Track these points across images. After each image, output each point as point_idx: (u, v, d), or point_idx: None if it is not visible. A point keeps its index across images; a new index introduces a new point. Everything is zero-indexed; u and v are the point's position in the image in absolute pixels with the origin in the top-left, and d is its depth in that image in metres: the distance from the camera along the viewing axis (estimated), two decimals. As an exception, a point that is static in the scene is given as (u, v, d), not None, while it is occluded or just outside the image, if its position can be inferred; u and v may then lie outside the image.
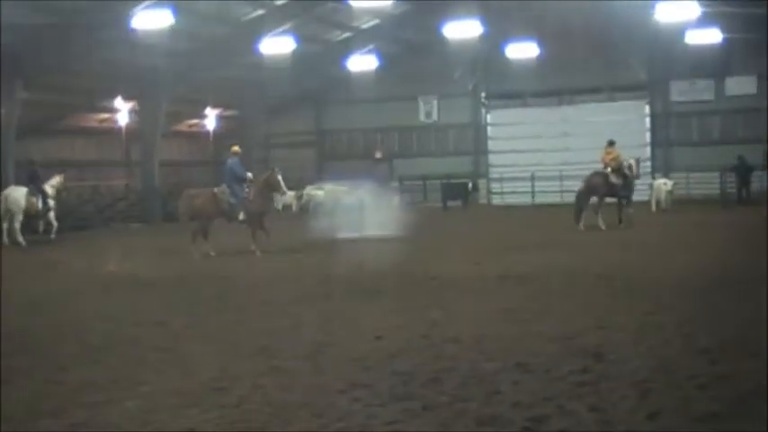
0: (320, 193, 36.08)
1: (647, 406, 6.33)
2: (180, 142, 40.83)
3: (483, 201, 41.51)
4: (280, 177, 19.73)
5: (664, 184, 31.41)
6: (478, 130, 43.00)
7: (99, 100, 34.41)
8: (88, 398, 7.04)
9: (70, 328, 10.24)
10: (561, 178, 39.81)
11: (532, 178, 40.20)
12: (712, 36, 34.25)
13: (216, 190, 19.91)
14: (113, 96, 33.85)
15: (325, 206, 33.64)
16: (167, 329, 10.05)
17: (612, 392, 6.69)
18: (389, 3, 30.02)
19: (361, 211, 23.88)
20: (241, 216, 19.33)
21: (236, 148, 20.38)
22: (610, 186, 23.65)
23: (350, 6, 30.80)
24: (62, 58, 28.18)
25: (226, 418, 6.45)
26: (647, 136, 40.19)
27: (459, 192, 38.55)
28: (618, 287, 12.28)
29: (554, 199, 39.26)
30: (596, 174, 24.05)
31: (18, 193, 23.78)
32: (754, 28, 34.07)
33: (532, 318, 10.02)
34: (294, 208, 36.07)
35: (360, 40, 38.22)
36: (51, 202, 24.36)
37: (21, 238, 23.33)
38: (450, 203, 38.10)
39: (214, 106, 39.90)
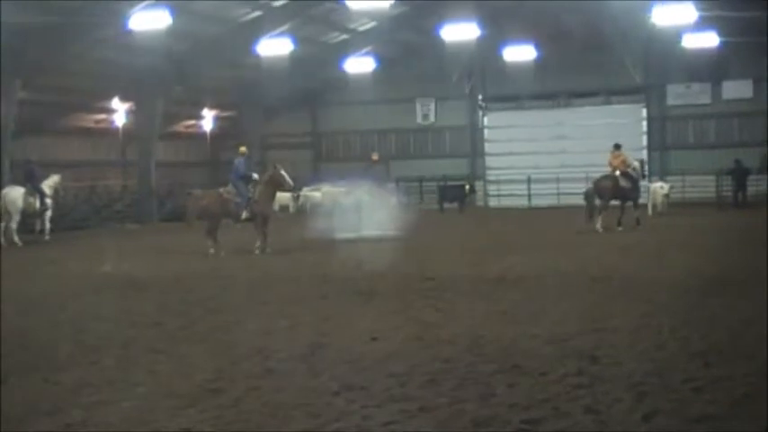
0: (317, 194, 36.11)
1: (643, 408, 6.35)
2: (177, 143, 40.81)
3: (480, 203, 41.57)
4: (284, 172, 19.86)
5: (660, 187, 31.44)
6: (475, 132, 43.03)
7: (96, 100, 34.39)
8: (85, 398, 7.04)
9: (67, 329, 10.24)
10: (558, 181, 39.92)
11: (529, 181, 40.28)
12: (709, 40, 34.32)
13: (222, 190, 20.18)
14: (110, 97, 33.84)
15: (322, 207, 33.69)
16: (163, 330, 10.05)
17: (608, 395, 6.71)
18: (387, 5, 30.04)
19: (358, 211, 23.90)
20: (244, 215, 19.45)
21: (243, 149, 20.70)
22: (619, 190, 23.80)
23: (347, 8, 30.81)
24: (59, 59, 28.20)
25: (222, 418, 6.46)
26: (644, 139, 40.25)
27: (456, 194, 38.57)
28: (613, 289, 12.30)
29: (550, 201, 39.37)
30: (606, 177, 24.11)
31: (16, 193, 23.79)
32: (751, 32, 34.11)
33: (528, 320, 10.03)
34: (291, 209, 36.06)
35: (357, 42, 38.25)
36: (49, 202, 24.37)
37: (17, 238, 23.33)
38: (447, 205, 38.12)
39: (211, 107, 39.90)
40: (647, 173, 29.34)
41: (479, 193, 41.68)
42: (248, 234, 20.07)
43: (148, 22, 26.11)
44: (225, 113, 41.50)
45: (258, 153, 42.63)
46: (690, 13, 30.03)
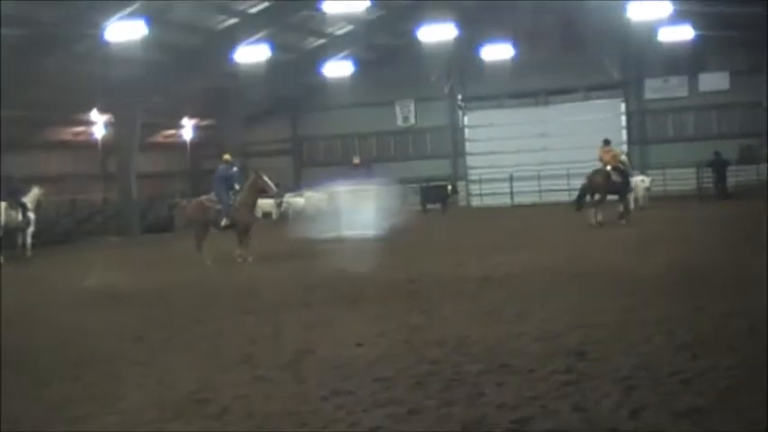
0: (300, 200, 36.07)
1: (630, 403, 6.34)
2: (157, 154, 40.61)
3: (462, 203, 41.61)
4: (266, 179, 19.83)
5: (641, 181, 31.55)
6: (456, 132, 43.07)
7: (74, 113, 34.20)
8: (68, 413, 6.97)
9: (49, 344, 10.14)
10: (539, 178, 40.02)
11: (511, 179, 40.35)
12: (684, 33, 34.49)
13: (203, 198, 20.20)
14: (89, 109, 33.65)
15: (305, 213, 33.69)
16: (147, 342, 9.97)
17: (595, 391, 6.70)
18: (363, 8, 30.03)
19: (339, 214, 23.94)
20: (223, 222, 19.37)
21: (227, 156, 20.63)
22: (612, 184, 23.93)
23: (324, 13, 30.78)
24: (35, 73, 27.97)
25: (208, 429, 6.40)
26: (624, 134, 40.38)
27: (439, 195, 38.61)
28: (599, 285, 12.31)
29: (533, 199, 39.48)
30: (597, 172, 24.21)
31: None
32: (726, 24, 34.34)
33: (514, 318, 10.02)
34: (274, 216, 35.96)
35: (335, 46, 38.22)
36: (31, 216, 24.14)
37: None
38: (430, 206, 38.18)
39: (190, 116, 39.76)
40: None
41: (462, 193, 41.72)
42: (231, 242, 19.96)
43: (124, 33, 25.98)
44: (204, 122, 41.37)
45: (239, 161, 42.57)
46: (665, 8, 30.18)
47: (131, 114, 33.45)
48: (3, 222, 23.35)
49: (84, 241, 30.74)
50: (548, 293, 11.83)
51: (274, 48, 32.86)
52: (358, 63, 39.20)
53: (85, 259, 22.63)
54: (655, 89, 40.20)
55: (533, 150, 40.82)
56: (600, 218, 23.30)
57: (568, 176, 39.36)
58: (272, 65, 33.90)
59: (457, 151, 43.04)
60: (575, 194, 38.30)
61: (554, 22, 39.71)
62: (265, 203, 36.62)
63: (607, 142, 25.36)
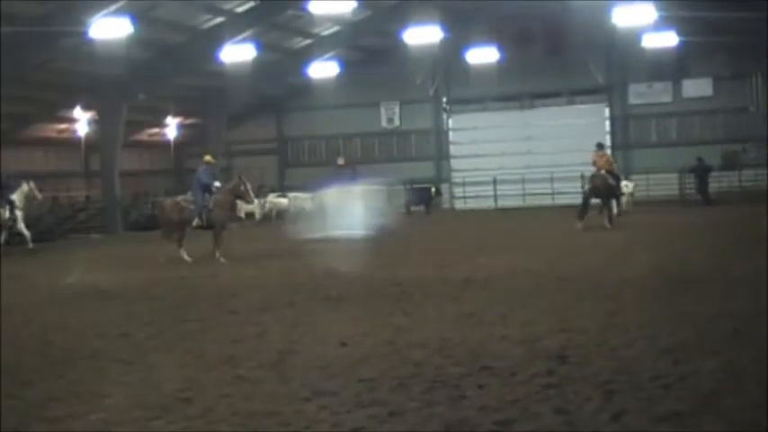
0: (284, 200, 36.05)
1: (612, 407, 6.38)
2: (140, 152, 40.50)
3: (446, 205, 41.69)
4: (248, 186, 19.85)
5: (625, 186, 31.68)
6: (440, 135, 43.18)
7: (58, 110, 34.05)
8: (51, 412, 6.94)
9: (31, 342, 10.10)
10: (523, 182, 40.18)
11: (495, 182, 40.47)
12: (669, 39, 34.70)
13: (180, 198, 20.16)
14: (72, 106, 33.51)
15: (288, 213, 33.68)
16: (131, 341, 9.95)
17: (577, 394, 6.74)
18: (350, 9, 30.05)
19: (324, 214, 23.98)
20: (195, 223, 19.39)
21: (208, 157, 20.63)
22: (608, 187, 24.12)
23: (310, 14, 30.78)
24: (18, 69, 27.84)
25: (192, 428, 6.40)
26: (607, 139, 40.57)
27: (422, 197, 38.67)
28: (580, 289, 12.37)
29: (517, 202, 39.62)
30: (597, 176, 24.34)
31: None
32: (710, 31, 34.57)
33: (497, 321, 10.06)
34: (257, 216, 35.92)
35: (320, 47, 38.23)
36: (18, 213, 24.03)
37: None
38: (414, 208, 38.22)
39: (175, 115, 39.66)
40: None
41: (446, 196, 41.81)
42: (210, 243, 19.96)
43: (109, 30, 25.88)
44: (189, 121, 41.28)
45: (223, 160, 42.51)
46: (649, 14, 30.35)
47: (115, 112, 33.36)
48: None
49: (66, 239, 30.59)
50: (530, 296, 11.87)
51: (260, 47, 32.83)
52: (343, 64, 39.23)
53: (68, 257, 22.52)
54: (639, 94, 40.45)
55: (518, 154, 40.99)
56: (581, 225, 23.39)
57: (552, 180, 39.60)
58: (257, 64, 33.88)
59: (441, 154, 43.14)
60: (558, 198, 38.93)
61: (539, 27, 39.89)
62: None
63: (601, 146, 25.65)
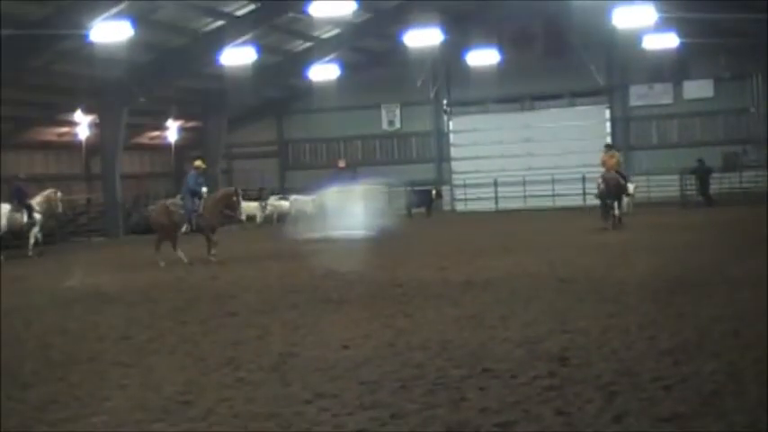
0: (285, 203, 36.05)
1: (613, 408, 6.38)
2: (141, 155, 40.51)
3: (447, 207, 41.70)
4: (240, 198, 19.93)
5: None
6: (441, 137, 43.17)
7: (58, 113, 34.05)
8: (52, 415, 6.94)
9: (32, 345, 10.10)
10: (524, 183, 40.18)
11: (495, 184, 40.46)
12: (669, 41, 34.70)
13: (168, 202, 20.35)
14: (73, 110, 33.52)
15: (290, 216, 33.68)
16: (131, 343, 9.95)
17: (578, 396, 6.73)
18: (350, 12, 30.06)
19: (326, 214, 24.03)
20: (184, 228, 19.43)
21: (198, 162, 20.61)
22: (620, 187, 24.21)
23: (310, 16, 30.79)
24: (19, 73, 27.84)
25: (192, 431, 6.40)
26: (608, 140, 40.56)
27: (423, 199, 38.67)
28: (581, 291, 12.36)
29: (517, 204, 39.60)
30: (609, 176, 24.36)
31: (1, 212, 23.79)
32: (711, 32, 34.57)
33: (498, 323, 10.05)
34: (258, 219, 35.93)
35: (321, 49, 38.22)
36: (37, 217, 24.31)
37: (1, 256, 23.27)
38: (415, 210, 38.23)
39: (175, 118, 39.66)
40: None
41: (446, 198, 41.82)
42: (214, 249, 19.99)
43: (110, 33, 25.89)
44: (189, 124, 41.28)
45: (224, 163, 42.57)
46: (650, 15, 30.34)
47: (116, 115, 33.36)
48: (5, 225, 23.59)
49: (67, 242, 30.59)
50: (531, 298, 11.86)
51: (260, 50, 32.84)
52: (344, 66, 39.23)
53: (69, 260, 22.53)
54: (639, 96, 40.44)
55: (518, 155, 40.98)
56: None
57: (553, 182, 39.60)
58: (258, 67, 33.90)
59: (442, 156, 43.13)
60: (559, 200, 38.92)
61: (540, 28, 39.90)
62: (250, 206, 36.66)
63: (610, 147, 25.75)
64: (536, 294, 12.22)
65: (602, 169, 24.87)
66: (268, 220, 35.85)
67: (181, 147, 41.08)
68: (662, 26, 32.77)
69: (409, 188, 38.16)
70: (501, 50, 38.97)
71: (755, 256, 14.51)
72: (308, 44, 38.26)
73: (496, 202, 40.51)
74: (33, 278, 18.39)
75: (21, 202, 24.17)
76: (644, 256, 16.62)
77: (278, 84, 40.76)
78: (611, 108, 40.95)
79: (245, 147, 44.41)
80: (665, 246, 18.54)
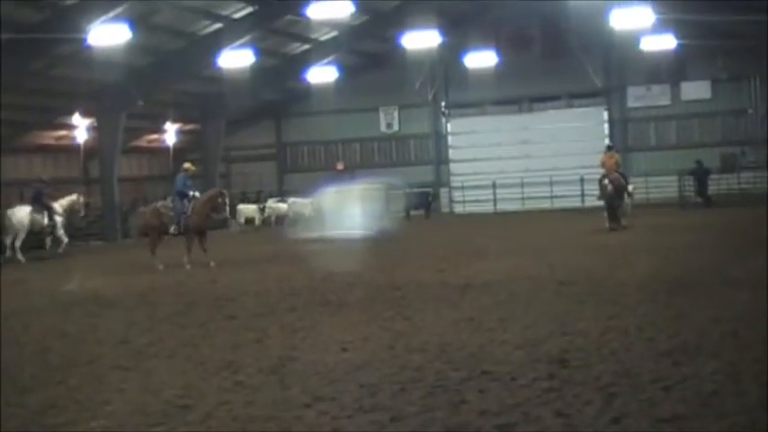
0: (283, 206, 36.05)
1: (613, 410, 6.37)
2: (139, 158, 40.49)
3: (445, 210, 41.72)
4: (227, 200, 19.98)
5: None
6: (439, 139, 43.18)
7: (56, 117, 34.03)
8: (51, 420, 6.93)
9: (30, 349, 10.09)
10: (522, 185, 40.19)
11: (494, 186, 40.47)
12: (667, 42, 34.74)
13: (159, 204, 20.55)
14: (71, 113, 33.50)
15: (288, 218, 33.71)
16: (130, 347, 9.93)
17: (578, 398, 6.72)
18: (347, 14, 30.08)
19: (322, 214, 24.07)
20: (172, 229, 19.49)
21: (186, 165, 20.75)
22: (622, 187, 24.25)
23: (308, 19, 30.80)
24: (18, 76, 27.84)
25: (191, 435, 6.39)
26: (606, 142, 40.58)
27: (421, 201, 38.68)
28: (580, 292, 12.35)
29: (516, 206, 39.62)
30: (613, 177, 24.37)
31: (22, 213, 24.52)
32: (708, 34, 34.62)
33: (497, 325, 10.04)
34: (257, 221, 35.94)
35: (319, 52, 38.24)
36: (58, 219, 24.86)
37: (20, 255, 23.86)
38: (414, 212, 38.26)
39: (173, 121, 39.65)
40: None
41: (445, 200, 41.86)
42: (210, 251, 19.97)
43: (108, 37, 25.89)
44: (187, 127, 41.27)
45: (223, 166, 42.57)
46: (647, 16, 30.38)
47: (114, 119, 33.35)
48: (27, 226, 24.25)
49: (66, 246, 30.49)
50: (530, 300, 11.86)
51: (258, 53, 32.86)
52: (342, 69, 39.25)
53: (68, 264, 22.51)
54: (637, 97, 40.49)
55: (516, 157, 41.01)
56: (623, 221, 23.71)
57: (551, 184, 39.63)
58: (255, 70, 33.90)
59: (440, 158, 43.14)
60: (557, 201, 38.95)
61: (537, 30, 39.93)
62: (248, 209, 36.71)
63: (610, 148, 25.75)
64: (535, 296, 12.22)
65: (601, 170, 24.84)
66: (266, 222, 35.85)
67: (179, 150, 41.04)
68: (659, 28, 32.83)
69: (408, 190, 38.17)
70: (499, 52, 39.03)
71: (755, 257, 14.51)
72: (306, 47, 38.28)
73: (495, 204, 40.52)
74: (32, 282, 18.37)
75: (41, 204, 24.79)
76: (643, 257, 16.62)
77: (276, 86, 40.77)
78: (608, 110, 40.99)
79: (243, 150, 44.42)
80: (664, 247, 18.54)
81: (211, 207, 19.98)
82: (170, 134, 40.16)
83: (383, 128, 43.76)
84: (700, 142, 38.92)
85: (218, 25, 32.41)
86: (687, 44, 35.04)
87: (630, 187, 31.85)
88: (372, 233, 23.31)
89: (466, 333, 9.66)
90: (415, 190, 39.57)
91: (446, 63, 40.54)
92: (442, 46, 36.02)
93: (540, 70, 39.45)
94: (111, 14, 25.90)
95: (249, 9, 31.92)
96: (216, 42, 32.16)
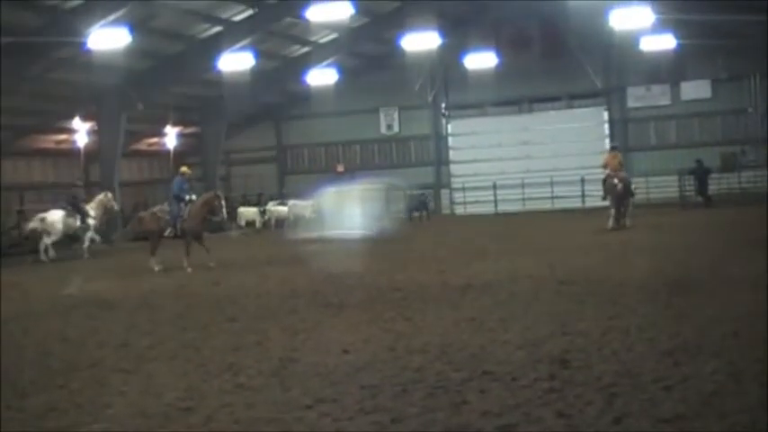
0: (283, 209, 36.06)
1: (614, 410, 6.37)
2: (140, 161, 40.51)
3: (446, 211, 41.73)
4: (222, 202, 20.05)
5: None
6: (439, 140, 43.18)
7: (57, 121, 34.04)
8: (52, 423, 6.94)
9: (31, 353, 10.09)
10: (523, 186, 40.17)
11: (494, 187, 40.45)
12: (666, 42, 34.72)
13: (156, 208, 20.72)
14: (71, 117, 33.51)
15: (288, 221, 33.72)
16: (132, 350, 9.93)
17: (579, 398, 6.73)
18: (347, 16, 30.07)
19: (322, 214, 24.10)
20: (167, 232, 19.58)
21: (184, 168, 20.99)
22: (627, 187, 24.29)
23: (308, 21, 30.80)
24: (18, 80, 27.83)
25: (193, 437, 6.39)
26: (606, 142, 40.58)
27: (419, 203, 38.67)
28: (581, 293, 12.35)
29: (516, 207, 39.61)
30: (621, 177, 24.32)
31: (55, 216, 25.15)
32: (708, 33, 34.60)
33: (498, 326, 10.04)
34: (257, 224, 35.94)
35: (318, 54, 38.23)
36: (91, 222, 25.48)
37: (45, 257, 24.57)
38: (414, 214, 38.22)
39: (174, 124, 39.65)
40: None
41: (446, 201, 41.88)
42: (211, 251, 19.97)
43: (108, 40, 25.90)
44: (188, 130, 41.27)
45: (223, 169, 42.57)
46: (647, 16, 30.37)
47: (114, 122, 33.35)
48: (60, 229, 24.97)
49: (66, 250, 30.50)
50: (530, 301, 11.86)
51: (258, 56, 32.84)
52: (342, 71, 39.25)
53: (68, 267, 22.51)
54: (637, 97, 40.46)
55: (516, 158, 40.99)
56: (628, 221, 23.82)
57: (552, 184, 39.62)
58: (255, 73, 33.89)
59: (440, 159, 43.13)
60: (558, 202, 38.95)
61: (537, 31, 39.92)
62: (249, 212, 36.72)
63: (614, 148, 25.70)
64: (536, 297, 12.22)
65: (604, 171, 24.81)
66: (267, 225, 35.86)
67: (179, 153, 41.06)
68: (659, 27, 32.81)
69: (409, 191, 38.17)
70: (498, 53, 39.02)
71: (755, 257, 14.50)
72: (306, 49, 38.27)
73: (496, 205, 40.50)
74: (32, 286, 18.36)
75: (75, 207, 25.49)
76: (643, 257, 16.62)
77: (276, 89, 40.77)
78: (608, 110, 40.97)
79: (243, 152, 44.43)
80: (664, 246, 18.54)
81: (208, 210, 20.05)
82: (170, 137, 40.15)
83: (383, 129, 43.76)
84: (700, 142, 38.89)
85: (217, 28, 32.41)
86: (687, 44, 35.02)
87: (632, 187, 32.00)
88: (372, 233, 23.30)
89: (467, 334, 9.66)
90: (415, 192, 39.54)
91: (446, 64, 40.53)
92: (442, 47, 36.01)
93: (540, 71, 39.44)
94: (111, 18, 25.90)
95: (249, 12, 31.93)
96: (216, 45, 32.15)
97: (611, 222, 23.86)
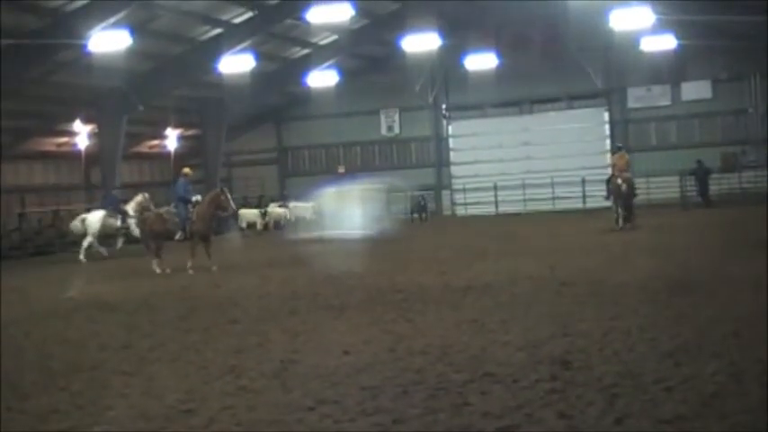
0: (284, 210, 36.07)
1: (615, 411, 6.37)
2: (141, 164, 40.52)
3: (447, 212, 41.74)
4: (228, 196, 20.03)
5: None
6: (440, 141, 43.20)
7: (57, 123, 34.06)
8: (53, 425, 6.94)
9: (32, 355, 10.09)
10: (524, 187, 40.18)
11: (495, 188, 40.46)
12: (667, 42, 34.73)
13: (163, 210, 20.64)
14: (72, 119, 33.53)
15: (289, 222, 33.74)
16: (133, 352, 9.93)
17: (580, 399, 6.73)
18: (347, 18, 30.10)
19: (322, 215, 24.12)
20: (178, 236, 19.54)
21: (186, 170, 20.99)
22: (632, 188, 24.31)
23: (308, 23, 30.83)
24: (19, 83, 27.87)
25: (194, 439, 6.39)
26: (607, 143, 40.63)
27: (416, 205, 38.69)
28: (582, 294, 12.35)
29: (517, 208, 39.62)
30: (626, 177, 24.33)
31: (95, 217, 26.17)
32: (708, 34, 34.61)
33: (498, 327, 10.04)
34: (258, 226, 35.95)
35: (319, 56, 38.29)
36: (131, 221, 25.98)
37: (82, 256, 25.25)
38: (415, 215, 38.27)
39: (174, 126, 39.67)
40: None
41: (446, 203, 41.91)
42: (213, 255, 19.98)
43: (108, 43, 25.93)
44: (188, 132, 41.30)
45: (224, 171, 42.58)
46: (647, 17, 30.38)
47: (115, 125, 33.38)
48: (98, 229, 25.88)
49: (67, 252, 30.55)
50: (531, 302, 11.85)
51: (259, 57, 32.89)
52: (342, 72, 39.29)
53: (69, 269, 22.52)
54: (638, 98, 40.48)
55: (517, 159, 41.02)
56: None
57: (552, 185, 39.62)
58: (256, 75, 33.93)
59: (441, 161, 43.14)
60: (559, 203, 38.94)
61: (537, 32, 39.93)
62: (250, 214, 36.73)
63: (620, 148, 25.67)
64: (537, 298, 12.22)
65: (610, 171, 24.83)
66: (268, 226, 35.86)
67: (180, 155, 41.08)
68: (659, 28, 32.83)
69: (410, 192, 38.22)
70: (499, 54, 39.04)
71: (755, 257, 14.49)
72: (306, 51, 38.32)
73: (496, 206, 40.51)
74: (33, 288, 18.37)
75: (115, 208, 26.42)
76: (644, 257, 16.62)
77: (276, 91, 40.78)
78: (609, 110, 41.00)
79: (244, 154, 44.46)
80: (665, 247, 18.53)
81: (216, 206, 20.00)
82: (171, 139, 40.18)
83: (384, 131, 43.79)
84: (700, 142, 38.92)
85: (218, 30, 32.44)
86: (687, 44, 35.04)
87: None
88: (372, 233, 23.30)
89: (468, 335, 9.66)
90: (415, 193, 39.57)
91: (446, 65, 40.56)
92: (443, 48, 36.05)
93: (541, 72, 39.49)
94: (112, 20, 25.93)
95: (249, 14, 31.96)
96: (216, 47, 32.20)
97: (620, 222, 23.83)
